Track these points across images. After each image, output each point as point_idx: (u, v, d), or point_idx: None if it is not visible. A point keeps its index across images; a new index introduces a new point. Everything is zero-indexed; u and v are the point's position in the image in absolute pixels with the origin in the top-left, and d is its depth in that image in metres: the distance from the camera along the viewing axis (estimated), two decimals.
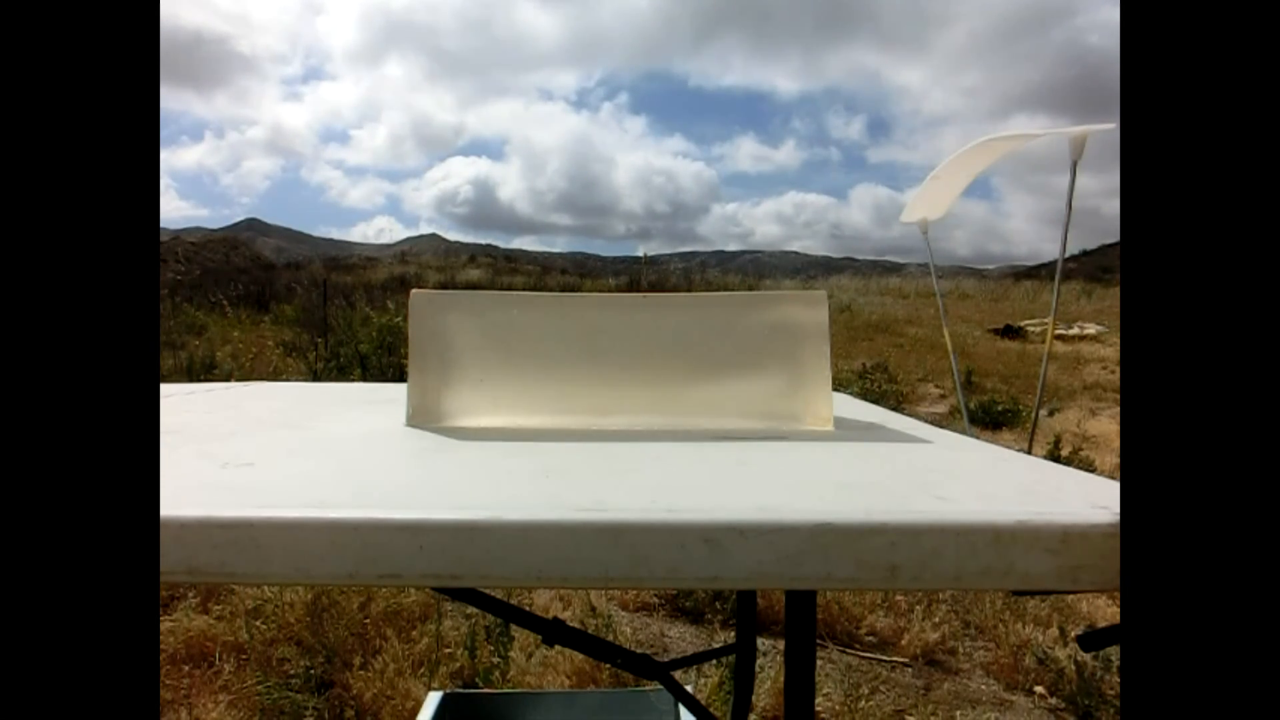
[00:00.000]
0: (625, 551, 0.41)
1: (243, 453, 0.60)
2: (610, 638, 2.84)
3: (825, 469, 0.59)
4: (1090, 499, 0.46)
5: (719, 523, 0.41)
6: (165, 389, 0.79)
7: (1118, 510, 0.42)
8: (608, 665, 2.56)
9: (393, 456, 0.62)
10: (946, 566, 0.41)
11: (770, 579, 0.41)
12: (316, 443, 0.67)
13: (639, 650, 2.90)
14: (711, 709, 2.31)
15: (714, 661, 2.51)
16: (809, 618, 0.73)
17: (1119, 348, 7.30)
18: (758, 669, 2.32)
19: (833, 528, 0.41)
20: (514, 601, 3.08)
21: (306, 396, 0.99)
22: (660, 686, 0.80)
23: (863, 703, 2.52)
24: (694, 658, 1.32)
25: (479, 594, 0.62)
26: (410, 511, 0.42)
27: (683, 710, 1.23)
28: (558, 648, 2.89)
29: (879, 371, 8.98)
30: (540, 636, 0.70)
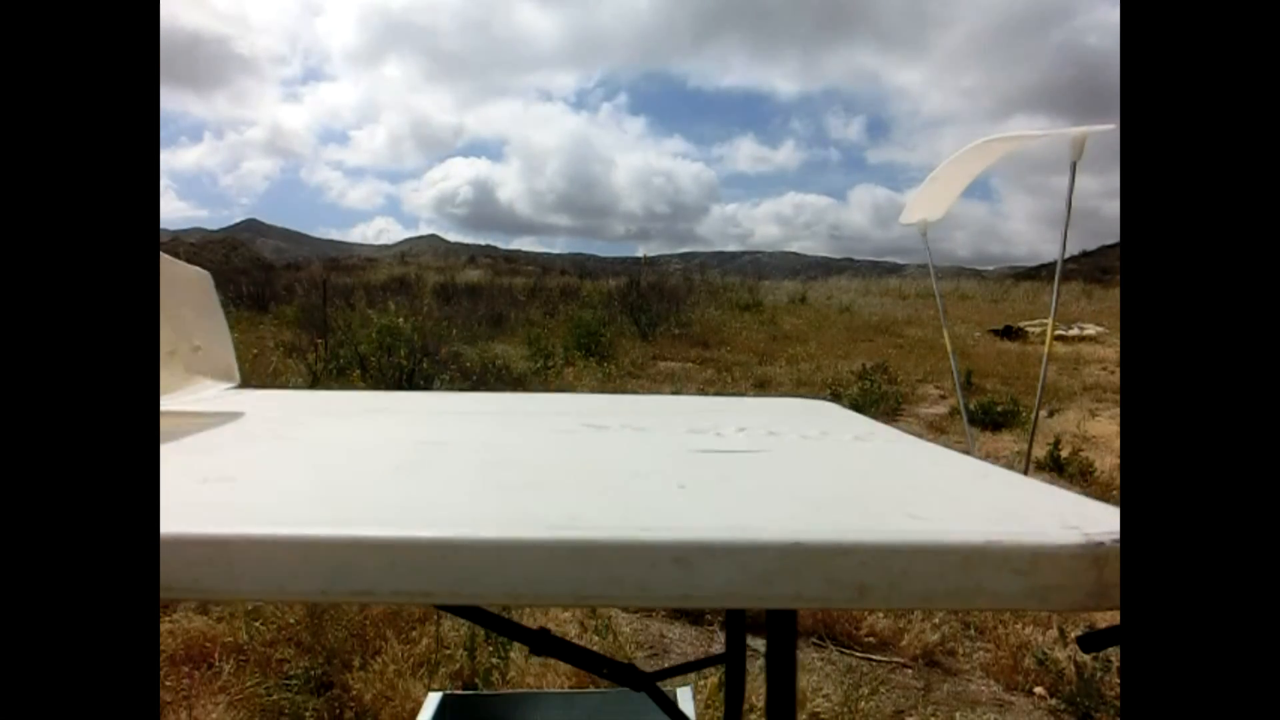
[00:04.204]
0: (597, 570, 0.41)
1: (225, 467, 0.60)
2: (610, 639, 2.84)
3: (802, 484, 0.59)
4: (1062, 519, 0.46)
5: (690, 542, 0.41)
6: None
7: (1087, 531, 0.42)
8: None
9: (378, 472, 0.63)
10: (916, 587, 0.41)
11: (740, 598, 0.42)
12: (302, 457, 0.67)
13: (640, 649, 2.89)
14: (713, 709, 2.31)
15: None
16: (789, 634, 0.73)
17: (1119, 348, 7.30)
18: (758, 670, 2.32)
19: (803, 547, 0.41)
20: (507, 612, 3.08)
21: (302, 405, 0.99)
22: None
23: (863, 703, 2.52)
24: (682, 668, 1.31)
25: (469, 607, 0.62)
26: (382, 529, 0.42)
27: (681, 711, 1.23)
28: None
29: (879, 372, 8.99)
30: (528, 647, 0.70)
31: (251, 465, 0.63)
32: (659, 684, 0.78)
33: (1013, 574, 0.41)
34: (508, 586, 0.41)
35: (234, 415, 0.85)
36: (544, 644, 0.68)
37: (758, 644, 1.74)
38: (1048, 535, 0.42)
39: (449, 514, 0.48)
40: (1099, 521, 0.44)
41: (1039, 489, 0.56)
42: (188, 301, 0.84)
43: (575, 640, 2.36)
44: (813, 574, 0.41)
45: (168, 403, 0.81)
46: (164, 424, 0.80)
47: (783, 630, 0.72)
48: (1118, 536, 0.41)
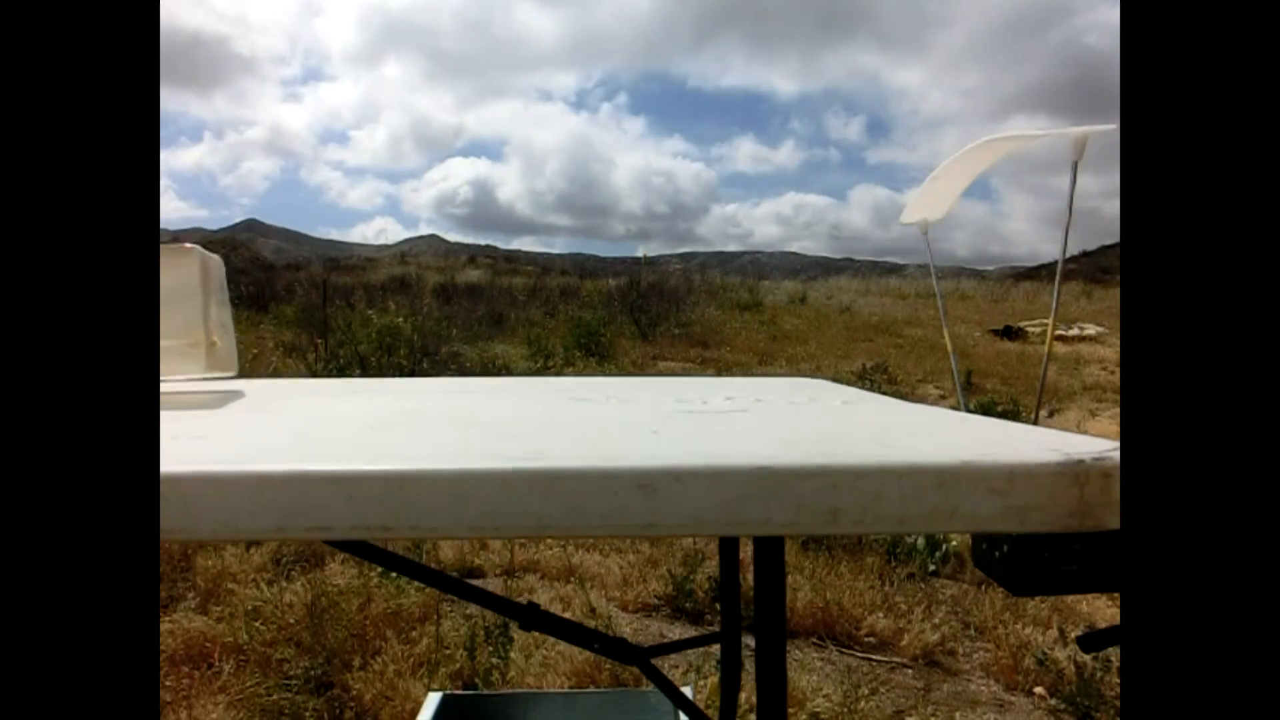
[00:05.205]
0: (558, 500, 0.40)
1: (199, 428, 0.59)
2: None
3: (779, 428, 0.58)
4: (1042, 444, 0.44)
5: (654, 468, 0.40)
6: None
7: (1069, 453, 0.41)
8: (608, 667, 2.56)
9: (351, 430, 0.62)
10: (889, 510, 0.40)
11: (708, 525, 0.40)
12: (279, 423, 0.66)
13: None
14: (713, 709, 2.31)
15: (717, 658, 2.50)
16: (778, 563, 0.71)
17: (1119, 348, 7.29)
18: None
19: (771, 471, 0.40)
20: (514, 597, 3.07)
21: (294, 388, 0.99)
22: (655, 687, 0.80)
23: (862, 703, 2.52)
24: (675, 645, 1.31)
25: (463, 585, 0.61)
26: (339, 463, 0.41)
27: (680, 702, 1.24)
28: (556, 649, 2.86)
29: (879, 372, 8.99)
30: (521, 624, 0.69)
31: (226, 427, 0.61)
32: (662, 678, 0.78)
33: (990, 494, 0.40)
34: (467, 519, 0.40)
35: (223, 394, 0.85)
36: (533, 618, 0.66)
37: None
38: (1027, 455, 0.41)
39: (410, 453, 0.47)
40: (1081, 445, 0.42)
41: (1023, 428, 0.54)
42: (208, 291, 0.83)
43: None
44: (783, 499, 0.40)
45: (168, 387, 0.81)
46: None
47: (771, 558, 0.70)
48: (1098, 455, 0.40)
